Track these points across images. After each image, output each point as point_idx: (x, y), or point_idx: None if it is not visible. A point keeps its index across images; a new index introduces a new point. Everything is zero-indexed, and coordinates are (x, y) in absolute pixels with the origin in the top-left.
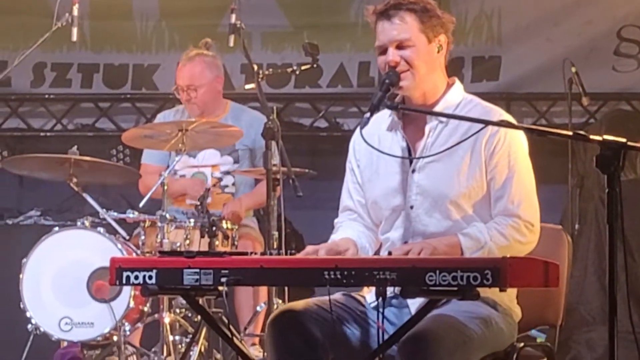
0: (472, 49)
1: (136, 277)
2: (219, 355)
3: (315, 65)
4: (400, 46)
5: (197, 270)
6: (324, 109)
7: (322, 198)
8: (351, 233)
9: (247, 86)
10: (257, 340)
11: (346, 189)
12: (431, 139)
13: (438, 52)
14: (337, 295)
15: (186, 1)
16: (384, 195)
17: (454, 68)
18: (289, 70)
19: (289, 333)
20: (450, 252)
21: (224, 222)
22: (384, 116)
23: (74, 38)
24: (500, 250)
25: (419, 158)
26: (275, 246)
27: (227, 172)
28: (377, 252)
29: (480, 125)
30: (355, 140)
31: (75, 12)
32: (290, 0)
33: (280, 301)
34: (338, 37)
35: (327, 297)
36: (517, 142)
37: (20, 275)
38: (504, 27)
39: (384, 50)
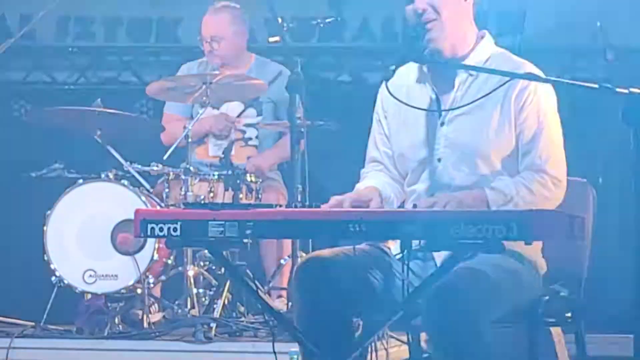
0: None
1: (161, 229)
2: (242, 308)
3: (339, 19)
4: None
5: (222, 222)
6: (348, 63)
7: (346, 151)
8: (376, 182)
9: (271, 39)
10: (282, 293)
11: (372, 140)
12: (461, 92)
13: (466, 0)
14: (363, 245)
15: None
16: (411, 147)
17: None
18: (314, 22)
19: (315, 282)
20: (476, 205)
21: (247, 174)
22: (413, 68)
23: None
24: (527, 205)
25: (447, 110)
26: (299, 199)
27: (251, 125)
28: (402, 205)
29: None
30: (383, 91)
31: None
32: None
33: (304, 254)
34: None
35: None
36: (547, 97)
37: (44, 228)
38: None
39: None
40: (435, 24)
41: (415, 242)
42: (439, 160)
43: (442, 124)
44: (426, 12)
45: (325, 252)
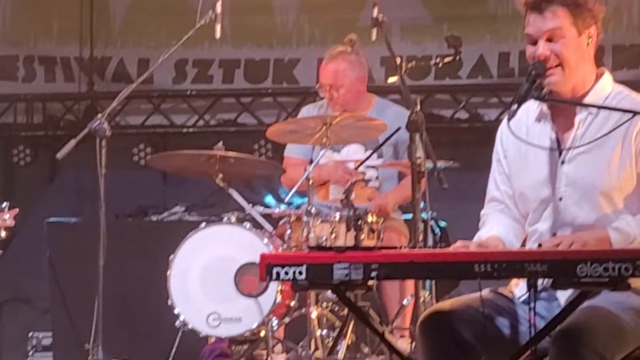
0: (612, 37)
1: (286, 273)
2: (366, 349)
3: (457, 58)
4: (550, 39)
5: (347, 265)
6: (465, 100)
7: (465, 189)
8: (498, 229)
9: (390, 79)
10: (405, 333)
11: (493, 180)
12: (581, 130)
13: (588, 44)
14: (485, 292)
15: None
16: (532, 187)
17: (595, 57)
18: (432, 62)
19: (439, 335)
20: (600, 246)
21: (369, 215)
22: (532, 107)
23: (218, 35)
24: None
25: (569, 149)
26: (421, 239)
27: (372, 166)
28: (523, 244)
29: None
30: (503, 131)
31: (219, 9)
32: None
33: (427, 293)
34: (477, 28)
35: (474, 295)
36: None
37: (168, 272)
38: None
39: (533, 41)
40: (556, 70)
41: (539, 282)
42: (561, 199)
43: (563, 162)
44: (549, 60)
45: (446, 303)
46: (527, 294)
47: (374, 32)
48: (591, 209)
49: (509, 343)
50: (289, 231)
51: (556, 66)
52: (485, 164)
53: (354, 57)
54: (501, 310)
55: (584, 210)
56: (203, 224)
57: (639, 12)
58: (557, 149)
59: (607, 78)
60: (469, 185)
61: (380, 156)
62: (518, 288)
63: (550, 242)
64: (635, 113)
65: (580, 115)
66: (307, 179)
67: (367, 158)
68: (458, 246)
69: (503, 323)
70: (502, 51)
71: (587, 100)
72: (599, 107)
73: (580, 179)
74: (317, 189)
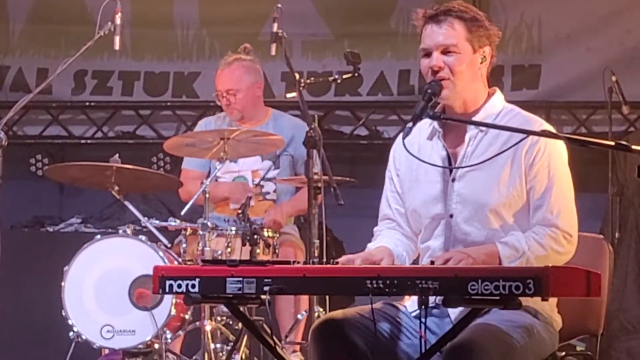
0: (512, 57)
1: (179, 286)
2: None
3: (357, 74)
4: (445, 52)
5: (240, 279)
6: (364, 117)
7: (363, 206)
8: (387, 242)
9: (289, 95)
10: (297, 348)
11: (385, 198)
12: (471, 148)
13: (481, 62)
14: (378, 304)
15: (227, 10)
16: (424, 204)
17: (494, 76)
18: (331, 79)
19: (331, 343)
20: (489, 261)
21: (265, 230)
22: (424, 125)
23: (117, 46)
24: (538, 260)
25: (459, 168)
26: (316, 254)
27: (269, 179)
28: (416, 261)
29: (521, 135)
30: (396, 149)
31: (118, 21)
32: (331, 9)
33: (321, 309)
34: (378, 45)
35: (367, 306)
36: (557, 152)
37: (62, 283)
38: (544, 35)
39: (428, 54)
40: (448, 83)
41: (431, 299)
42: (452, 216)
43: (454, 179)
44: (442, 70)
45: (339, 312)
46: (418, 310)
47: (274, 47)
48: (482, 225)
49: (400, 354)
50: (184, 245)
51: (447, 79)
52: (383, 181)
53: (249, 63)
54: (393, 321)
55: (475, 227)
56: (98, 236)
57: (539, 32)
58: (448, 167)
59: (498, 96)
60: (366, 203)
61: (277, 167)
62: (410, 302)
63: (441, 258)
64: (524, 132)
65: (471, 133)
66: (204, 193)
67: (265, 174)
68: (343, 261)
69: (395, 334)
70: (403, 69)
71: (478, 117)
72: (489, 126)
73: (471, 196)
74: (214, 203)
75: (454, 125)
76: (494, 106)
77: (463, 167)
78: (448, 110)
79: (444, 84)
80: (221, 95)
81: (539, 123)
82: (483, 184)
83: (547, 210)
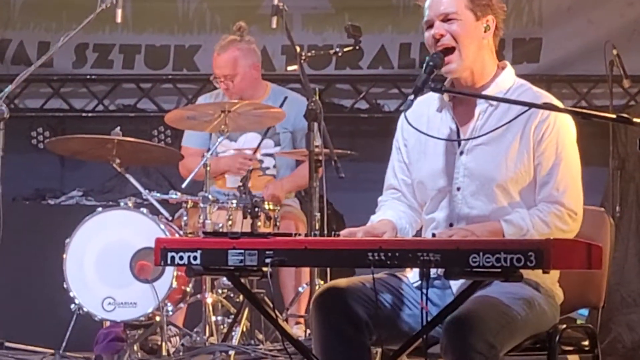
0: (512, 30)
1: (181, 258)
2: (261, 336)
3: (357, 47)
4: (446, 19)
5: (242, 251)
6: (365, 91)
7: (363, 179)
8: (391, 214)
9: (290, 68)
10: (300, 320)
11: (391, 168)
12: (480, 122)
13: (485, 31)
14: (380, 274)
15: None
16: (431, 176)
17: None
18: (331, 52)
19: (333, 311)
20: (492, 238)
21: (266, 202)
22: (434, 97)
23: (119, 19)
24: (542, 238)
25: (466, 140)
26: (317, 227)
27: (269, 154)
28: (419, 232)
29: (530, 110)
30: (403, 119)
31: None
32: None
33: (322, 282)
34: (379, 18)
35: (370, 276)
36: (566, 129)
37: (64, 256)
38: (545, 9)
39: (430, 25)
40: (454, 56)
41: (433, 271)
42: (458, 189)
43: (462, 153)
44: (444, 37)
45: (342, 281)
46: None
47: (274, 20)
48: (487, 200)
49: (401, 324)
50: (185, 217)
51: (452, 49)
52: (383, 154)
53: (245, 45)
54: (396, 292)
55: (481, 201)
56: (100, 209)
57: (539, 5)
58: (456, 139)
59: (509, 71)
60: (367, 176)
61: (277, 144)
62: (412, 273)
63: (444, 235)
64: (533, 106)
65: (481, 107)
66: (205, 166)
67: (262, 141)
68: (346, 234)
69: (397, 305)
70: (404, 42)
71: (488, 92)
72: (494, 99)
73: (478, 170)
74: (215, 178)
75: (463, 99)
76: (505, 81)
77: (469, 139)
78: (456, 83)
79: (450, 58)
80: (219, 80)
81: (549, 99)
82: (491, 159)
83: (553, 187)
